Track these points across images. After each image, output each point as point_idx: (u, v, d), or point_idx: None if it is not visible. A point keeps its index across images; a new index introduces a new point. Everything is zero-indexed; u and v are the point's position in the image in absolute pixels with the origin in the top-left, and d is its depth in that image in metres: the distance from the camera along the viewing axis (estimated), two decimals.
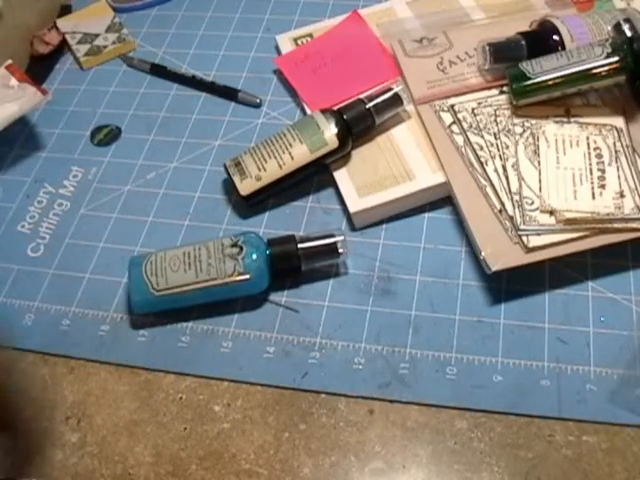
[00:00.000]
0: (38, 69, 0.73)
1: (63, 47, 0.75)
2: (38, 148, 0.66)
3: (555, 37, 0.59)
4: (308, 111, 0.62)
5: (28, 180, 0.64)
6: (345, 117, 0.58)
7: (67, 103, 0.69)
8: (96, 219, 0.60)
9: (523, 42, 0.59)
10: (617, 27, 0.56)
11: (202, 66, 0.70)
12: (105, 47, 0.73)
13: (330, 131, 0.57)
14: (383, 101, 0.58)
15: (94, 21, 0.75)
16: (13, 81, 0.63)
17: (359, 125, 0.58)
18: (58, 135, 0.67)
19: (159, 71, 0.70)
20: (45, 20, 0.76)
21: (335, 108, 0.59)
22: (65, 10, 0.79)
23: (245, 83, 0.68)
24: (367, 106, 0.58)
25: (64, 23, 0.75)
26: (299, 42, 0.69)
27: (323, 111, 0.59)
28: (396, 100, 0.59)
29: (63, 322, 0.54)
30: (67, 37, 0.74)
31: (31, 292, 0.56)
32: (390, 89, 0.59)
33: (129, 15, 0.77)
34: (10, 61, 0.64)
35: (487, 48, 0.59)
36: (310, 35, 0.69)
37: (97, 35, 0.74)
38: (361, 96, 0.59)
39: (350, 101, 0.59)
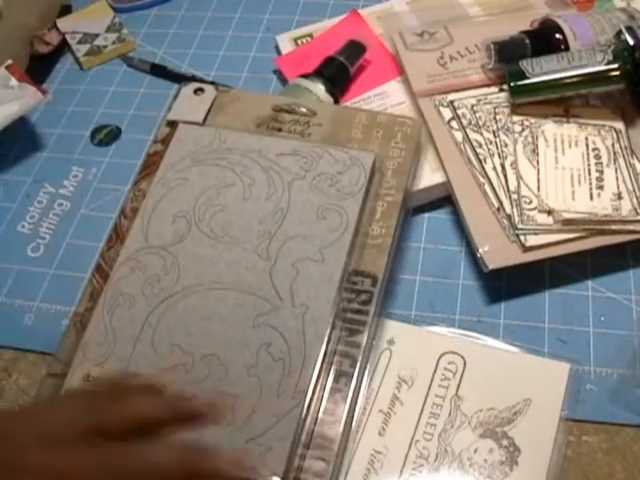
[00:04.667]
0: (38, 69, 0.73)
1: (63, 47, 0.75)
2: (38, 148, 0.66)
3: (558, 35, 0.59)
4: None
5: (28, 180, 0.64)
6: (325, 75, 0.61)
7: (67, 103, 0.69)
8: (96, 219, 0.60)
9: (527, 41, 0.59)
10: (619, 34, 0.56)
11: (202, 66, 0.71)
12: (105, 47, 0.73)
13: (321, 91, 0.60)
14: (351, 52, 0.63)
15: (94, 21, 0.75)
16: (13, 81, 0.63)
17: (340, 78, 0.62)
18: (58, 135, 0.67)
19: (159, 71, 0.70)
20: (45, 20, 0.76)
21: (312, 71, 0.62)
22: (65, 10, 0.79)
23: (245, 83, 0.69)
24: (340, 60, 0.62)
25: (64, 23, 0.75)
26: (299, 42, 0.69)
27: (304, 76, 0.61)
28: (360, 48, 0.64)
29: (63, 322, 0.54)
30: (67, 37, 0.74)
31: (31, 292, 0.56)
32: (352, 40, 0.64)
33: (129, 15, 0.77)
34: (10, 61, 0.65)
35: (492, 47, 0.59)
36: (310, 35, 0.69)
37: (97, 35, 0.74)
38: (332, 55, 0.63)
39: (324, 61, 0.63)
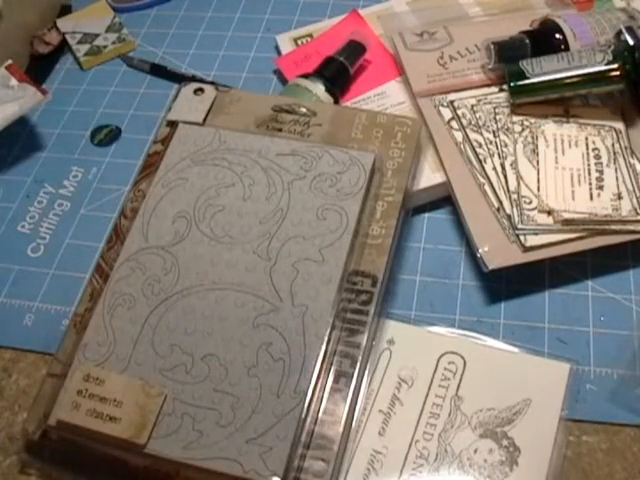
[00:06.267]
0: (38, 69, 0.73)
1: (63, 47, 0.75)
2: (38, 148, 0.66)
3: (558, 35, 0.59)
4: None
5: (28, 180, 0.64)
6: (325, 75, 0.61)
7: (67, 103, 0.69)
8: (96, 219, 0.60)
9: (527, 41, 0.59)
10: (619, 34, 0.56)
11: (202, 66, 0.71)
12: (105, 47, 0.73)
13: (321, 91, 0.60)
14: (350, 52, 0.63)
15: (94, 21, 0.75)
16: (13, 81, 0.63)
17: (339, 78, 0.62)
18: (58, 135, 0.67)
19: (159, 71, 0.70)
20: (45, 20, 0.76)
21: (312, 71, 0.62)
22: (65, 10, 0.79)
23: (245, 83, 0.69)
24: (340, 60, 0.62)
25: (64, 23, 0.75)
26: (299, 42, 0.69)
27: (304, 76, 0.61)
28: (360, 48, 0.64)
29: (63, 322, 0.54)
30: (67, 37, 0.74)
31: (31, 292, 0.56)
32: (352, 40, 0.64)
33: (129, 15, 0.77)
34: (10, 61, 0.64)
35: (492, 47, 0.59)
36: (310, 35, 0.69)
37: (97, 35, 0.74)
38: (332, 55, 0.63)
39: (324, 61, 0.63)
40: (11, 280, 0.57)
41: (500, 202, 0.53)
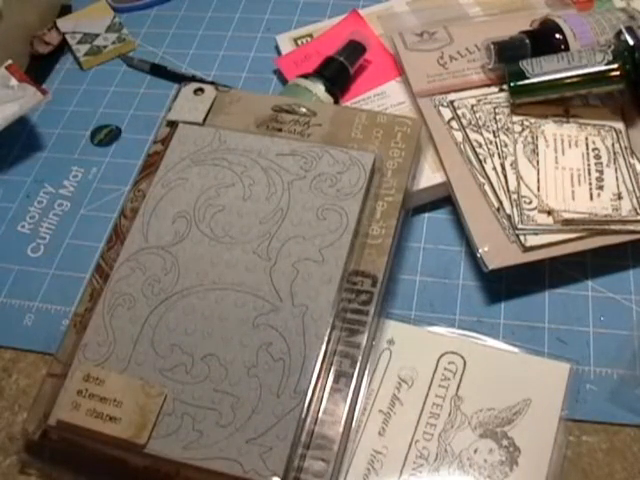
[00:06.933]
0: (38, 69, 0.73)
1: (63, 47, 0.75)
2: (38, 148, 0.66)
3: (558, 35, 0.59)
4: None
5: (28, 180, 0.64)
6: (325, 75, 0.61)
7: (67, 103, 0.69)
8: (96, 219, 0.60)
9: (527, 41, 0.59)
10: (619, 34, 0.56)
11: (202, 66, 0.71)
12: (105, 47, 0.73)
13: (321, 91, 0.60)
14: (350, 52, 0.63)
15: (94, 21, 0.75)
16: (13, 81, 0.63)
17: (339, 78, 0.62)
18: (58, 135, 0.67)
19: (159, 71, 0.70)
20: (45, 20, 0.76)
21: (312, 71, 0.62)
22: (65, 10, 0.79)
23: (245, 83, 0.69)
24: (340, 60, 0.62)
25: (64, 23, 0.75)
26: (299, 42, 0.69)
27: (304, 76, 0.61)
28: (360, 48, 0.64)
29: (63, 322, 0.54)
30: (67, 37, 0.74)
31: (31, 292, 0.56)
32: (352, 40, 0.64)
33: (129, 15, 0.77)
34: (10, 61, 0.64)
35: (492, 47, 0.59)
36: (310, 35, 0.69)
37: (97, 35, 0.74)
38: (332, 55, 0.63)
39: (324, 61, 0.63)
40: (11, 280, 0.57)
41: (500, 202, 0.53)
